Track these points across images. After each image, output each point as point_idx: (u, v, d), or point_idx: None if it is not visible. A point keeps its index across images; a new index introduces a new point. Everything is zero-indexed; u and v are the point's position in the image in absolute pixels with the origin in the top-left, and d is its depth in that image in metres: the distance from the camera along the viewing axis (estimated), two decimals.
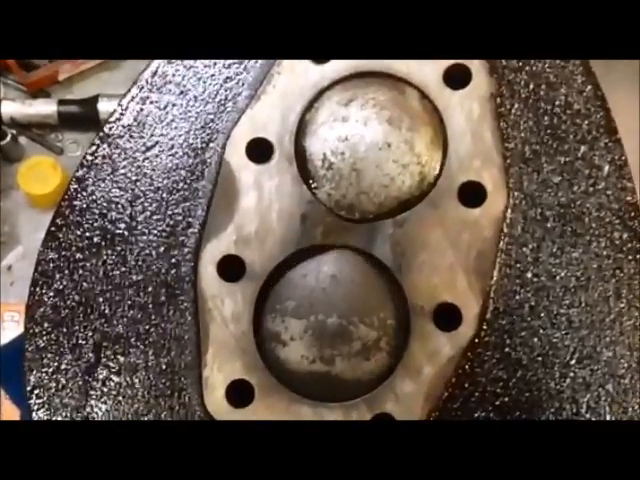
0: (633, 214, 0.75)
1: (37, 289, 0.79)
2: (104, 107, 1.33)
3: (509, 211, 0.75)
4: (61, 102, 1.36)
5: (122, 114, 0.81)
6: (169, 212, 0.79)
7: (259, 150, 0.77)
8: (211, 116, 0.80)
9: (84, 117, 1.35)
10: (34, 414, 0.76)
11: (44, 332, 0.78)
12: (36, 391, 0.77)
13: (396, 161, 0.76)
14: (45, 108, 1.36)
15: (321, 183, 0.77)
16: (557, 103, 0.76)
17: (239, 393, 0.75)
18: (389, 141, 0.76)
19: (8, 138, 1.32)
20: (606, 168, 0.75)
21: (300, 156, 0.76)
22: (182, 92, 0.80)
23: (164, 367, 0.77)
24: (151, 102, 0.81)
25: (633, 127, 1.00)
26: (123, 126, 0.81)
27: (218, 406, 0.75)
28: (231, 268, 0.76)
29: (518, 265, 0.75)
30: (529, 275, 0.75)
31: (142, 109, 0.81)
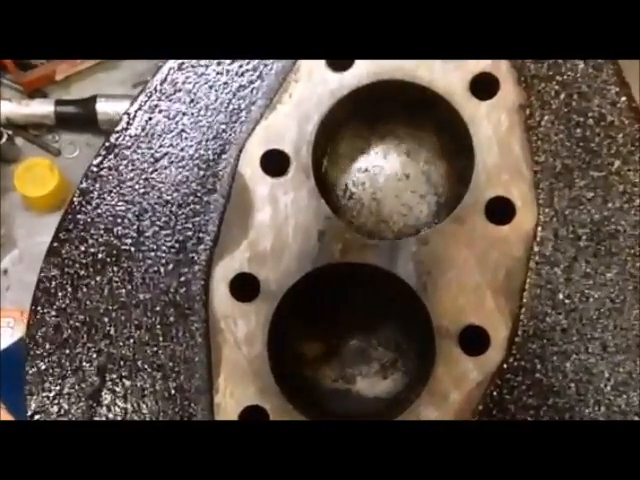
0: None
1: (38, 308, 0.74)
2: (102, 108, 1.30)
3: (539, 228, 0.72)
4: (58, 102, 1.33)
5: (129, 123, 0.77)
6: (178, 227, 0.75)
7: (274, 162, 0.73)
8: (223, 126, 0.76)
9: (82, 118, 1.32)
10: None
11: (45, 354, 0.74)
12: (37, 417, 0.73)
13: (414, 191, 0.79)
14: (42, 108, 1.33)
15: (342, 212, 0.78)
16: (590, 115, 0.73)
17: (253, 420, 0.71)
18: (407, 172, 0.79)
19: (4, 139, 1.31)
20: None
21: (321, 181, 0.76)
22: (193, 100, 0.76)
23: (173, 392, 0.72)
24: (160, 111, 0.76)
25: None
26: (130, 136, 0.77)
27: None
28: (244, 287, 0.72)
29: (549, 286, 0.71)
30: (561, 296, 0.71)
31: (150, 118, 0.76)
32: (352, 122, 0.80)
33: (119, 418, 0.72)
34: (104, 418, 0.72)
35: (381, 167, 0.80)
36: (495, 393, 0.70)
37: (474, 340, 0.70)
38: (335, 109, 0.74)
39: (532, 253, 0.71)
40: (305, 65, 0.74)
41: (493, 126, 0.72)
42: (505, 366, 0.70)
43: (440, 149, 0.80)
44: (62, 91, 1.41)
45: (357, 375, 0.81)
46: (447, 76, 0.73)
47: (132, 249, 0.75)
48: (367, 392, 0.80)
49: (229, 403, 0.71)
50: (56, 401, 0.73)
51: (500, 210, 0.71)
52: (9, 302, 1.22)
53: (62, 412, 0.72)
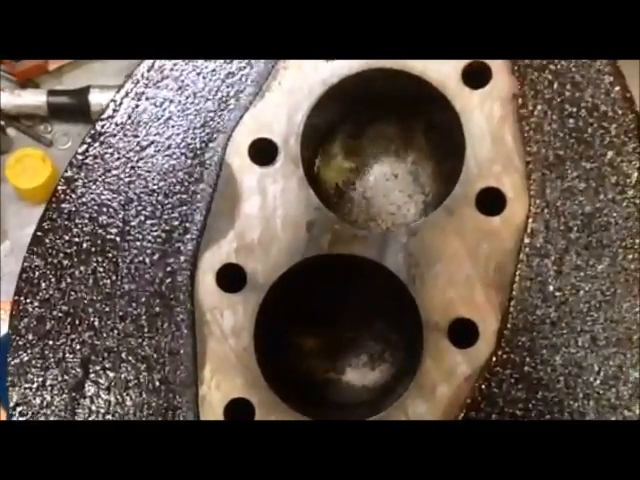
0: None
1: (21, 298, 0.73)
2: (95, 98, 1.29)
3: (530, 220, 0.70)
4: (51, 93, 1.32)
5: (115, 111, 0.75)
6: (165, 217, 0.74)
7: (263, 151, 0.72)
8: (211, 114, 0.74)
9: (75, 108, 1.30)
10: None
11: (28, 345, 0.72)
12: (19, 408, 0.71)
13: (402, 191, 0.81)
14: (34, 99, 1.32)
15: (334, 210, 0.77)
16: (583, 105, 0.71)
17: (238, 413, 0.70)
18: (395, 172, 0.81)
19: None
20: (635, 175, 0.71)
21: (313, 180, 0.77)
22: (180, 88, 0.75)
23: (157, 384, 0.71)
24: (147, 98, 0.75)
25: None
26: (116, 124, 0.75)
27: None
28: (231, 278, 0.71)
29: (539, 278, 0.70)
30: (551, 289, 0.70)
31: (137, 106, 0.75)
32: (343, 123, 0.81)
33: (102, 410, 0.71)
34: (87, 410, 0.71)
35: (371, 167, 0.82)
36: (484, 386, 0.69)
37: (463, 333, 0.69)
38: (325, 101, 0.73)
39: (523, 245, 0.70)
40: None
41: (485, 116, 0.71)
42: (494, 359, 0.69)
43: (428, 150, 0.81)
44: (55, 81, 1.39)
45: (347, 366, 0.81)
46: (440, 65, 0.71)
47: (117, 239, 0.73)
48: (356, 382, 0.81)
49: (215, 396, 0.70)
50: (39, 393, 0.72)
51: (491, 201, 0.70)
52: (2, 293, 1.20)
53: (45, 404, 0.71)
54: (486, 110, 0.71)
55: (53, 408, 0.71)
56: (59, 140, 1.35)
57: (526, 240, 0.70)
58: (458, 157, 0.71)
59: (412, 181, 0.81)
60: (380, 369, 0.81)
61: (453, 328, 0.69)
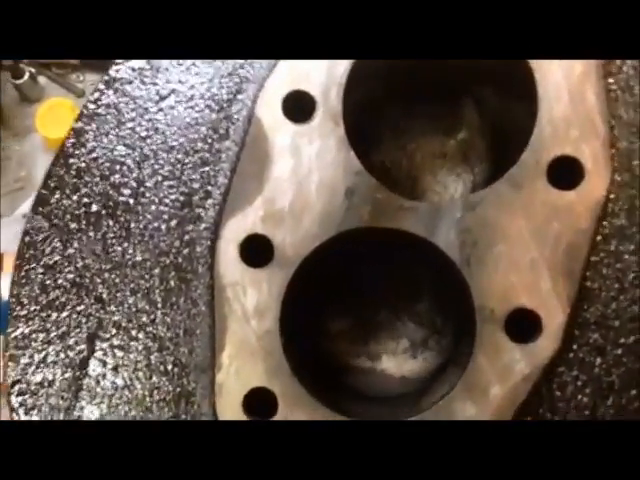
0: None
1: (23, 263, 0.65)
2: None
3: (611, 196, 0.60)
4: None
5: None
6: (184, 178, 0.65)
7: (299, 106, 0.62)
8: (240, 61, 0.65)
9: None
10: (14, 414, 0.63)
11: (30, 316, 0.65)
12: (17, 386, 0.64)
13: (450, 170, 0.74)
14: None
15: None
16: None
17: (259, 403, 0.61)
18: (444, 151, 0.75)
19: (26, 76, 1.27)
20: None
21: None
22: None
23: (170, 367, 0.63)
24: None
25: None
26: (133, 69, 0.66)
27: (232, 417, 0.62)
28: (257, 250, 0.62)
29: (618, 265, 0.60)
30: (631, 278, 0.59)
31: None
32: (389, 100, 0.74)
33: (109, 393, 0.64)
34: (92, 392, 0.64)
35: (418, 145, 0.75)
36: (544, 389, 0.59)
37: (524, 326, 0.60)
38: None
39: (600, 225, 0.60)
40: None
41: (564, 70, 0.60)
42: (559, 357, 0.59)
43: (478, 127, 0.74)
44: None
45: (383, 353, 0.73)
46: None
47: (131, 201, 0.65)
48: (393, 371, 0.73)
49: (233, 383, 0.62)
50: (39, 370, 0.64)
51: (566, 172, 0.60)
52: None
53: (45, 383, 0.64)
54: (565, 64, 0.60)
55: (55, 388, 0.64)
56: (91, 90, 1.30)
57: (605, 220, 0.60)
58: (516, 136, 0.61)
59: (461, 160, 0.74)
60: (423, 357, 0.72)
61: (512, 319, 0.60)
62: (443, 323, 0.72)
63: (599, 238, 0.60)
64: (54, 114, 1.23)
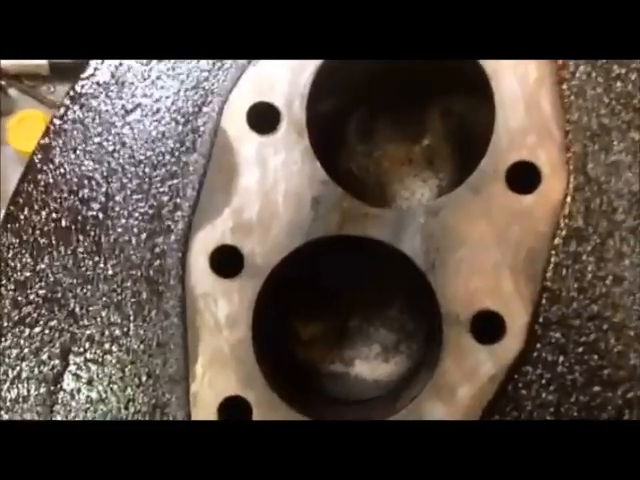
0: None
1: None
2: None
3: (568, 199, 0.62)
4: None
5: (97, 69, 0.67)
6: (153, 191, 0.65)
7: (263, 117, 0.63)
8: (205, 74, 0.66)
9: (78, 68, 1.24)
10: None
11: (2, 332, 0.65)
12: None
13: (416, 176, 0.76)
14: None
15: None
16: (633, 66, 0.62)
17: (234, 412, 0.62)
18: (410, 157, 0.76)
19: None
20: None
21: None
22: None
23: (144, 378, 0.64)
24: None
25: None
26: (98, 84, 0.67)
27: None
28: (227, 261, 0.63)
29: (577, 266, 0.62)
30: (590, 278, 0.61)
31: (121, 63, 0.66)
32: (356, 106, 0.75)
33: (84, 407, 0.64)
34: (67, 407, 0.64)
35: (385, 151, 0.76)
36: (510, 388, 0.61)
37: (488, 327, 0.61)
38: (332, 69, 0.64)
39: (559, 228, 0.61)
40: None
41: (519, 78, 0.62)
42: (523, 357, 0.61)
43: (443, 134, 0.76)
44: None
45: (356, 358, 0.74)
46: None
47: (100, 215, 0.66)
48: (366, 376, 0.74)
49: (207, 393, 0.63)
50: (13, 386, 0.65)
51: (524, 177, 0.61)
52: None
53: (20, 399, 0.64)
54: (520, 71, 0.61)
55: (30, 403, 0.64)
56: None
57: (563, 222, 0.61)
58: (479, 141, 0.63)
59: (427, 166, 0.76)
60: (395, 361, 0.74)
61: (477, 322, 0.61)
62: (414, 327, 0.74)
63: (558, 240, 0.62)
64: (26, 126, 1.22)
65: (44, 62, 1.27)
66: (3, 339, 0.65)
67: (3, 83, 1.26)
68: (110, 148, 0.66)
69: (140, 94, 0.66)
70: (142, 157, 0.66)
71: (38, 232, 0.66)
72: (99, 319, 0.65)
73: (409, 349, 0.74)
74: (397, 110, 0.75)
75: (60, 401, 0.64)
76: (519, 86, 0.61)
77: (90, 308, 0.65)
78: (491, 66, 0.61)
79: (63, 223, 0.66)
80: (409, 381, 0.71)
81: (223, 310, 0.63)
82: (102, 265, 0.65)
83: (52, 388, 0.65)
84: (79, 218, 0.66)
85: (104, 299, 0.65)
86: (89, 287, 0.65)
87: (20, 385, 0.65)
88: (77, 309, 0.65)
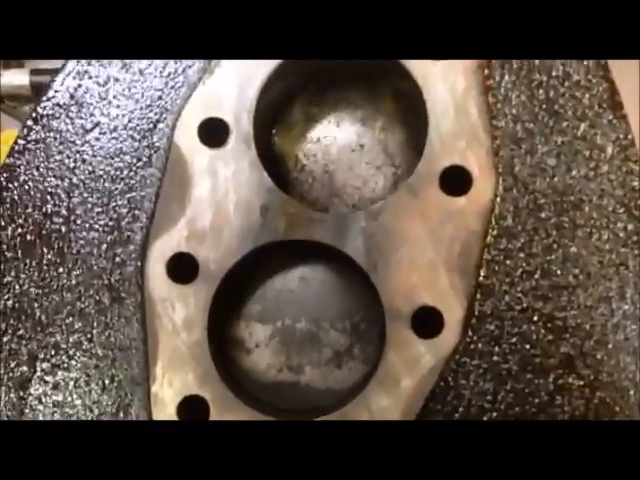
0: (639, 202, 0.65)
1: None
2: None
3: (498, 199, 0.66)
4: (34, 72, 1.26)
5: (57, 91, 0.71)
6: (112, 204, 0.69)
7: (213, 132, 0.68)
8: (159, 93, 0.70)
9: None
10: None
11: None
12: None
13: (369, 163, 0.74)
14: (17, 78, 1.26)
15: (293, 186, 0.73)
16: (554, 74, 0.66)
17: (192, 410, 0.66)
18: (362, 142, 0.74)
19: None
20: (609, 149, 0.66)
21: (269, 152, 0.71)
22: (125, 65, 0.70)
23: (108, 382, 0.68)
24: (90, 77, 0.70)
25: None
26: (58, 105, 0.71)
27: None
28: (183, 267, 0.67)
29: (508, 262, 0.66)
30: (520, 273, 0.66)
31: (80, 85, 0.71)
32: (303, 88, 0.75)
33: (51, 411, 0.68)
34: (35, 410, 0.68)
35: (334, 137, 0.74)
36: (450, 378, 0.65)
37: (427, 322, 0.65)
38: (280, 72, 0.68)
39: (490, 226, 0.66)
40: None
41: (449, 88, 0.66)
42: (460, 349, 0.65)
43: (398, 115, 0.74)
44: (38, 60, 1.34)
45: (306, 364, 0.73)
46: None
47: (63, 228, 0.70)
48: (318, 384, 0.72)
49: (167, 393, 0.66)
50: None
51: (456, 180, 0.65)
52: None
53: None
54: (450, 81, 0.66)
55: (0, 408, 0.68)
56: None
57: (493, 221, 0.66)
58: (426, 122, 0.65)
59: (381, 151, 0.73)
60: (348, 367, 0.73)
61: (417, 317, 0.65)
62: (366, 330, 0.74)
63: (489, 238, 0.66)
64: (8, 146, 1.26)
65: (26, 83, 1.27)
66: None
67: None
68: (71, 165, 0.70)
69: (98, 113, 0.70)
70: (101, 172, 0.70)
71: (5, 246, 0.70)
72: (64, 327, 0.69)
73: (363, 353, 0.73)
74: (346, 90, 0.73)
75: (29, 405, 0.68)
76: (449, 94, 0.66)
77: (55, 317, 0.69)
78: (421, 75, 0.65)
79: (28, 237, 0.70)
80: (365, 388, 0.67)
81: (180, 314, 0.67)
82: (66, 275, 0.69)
83: (21, 393, 0.68)
84: (43, 232, 0.70)
85: (68, 307, 0.69)
86: (54, 297, 0.69)
87: None
88: (43, 318, 0.69)
